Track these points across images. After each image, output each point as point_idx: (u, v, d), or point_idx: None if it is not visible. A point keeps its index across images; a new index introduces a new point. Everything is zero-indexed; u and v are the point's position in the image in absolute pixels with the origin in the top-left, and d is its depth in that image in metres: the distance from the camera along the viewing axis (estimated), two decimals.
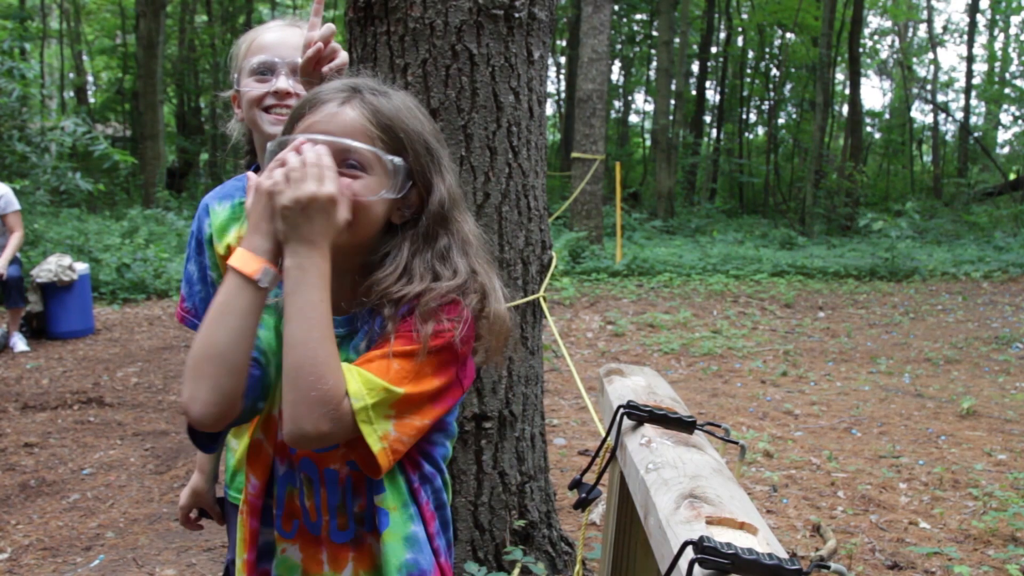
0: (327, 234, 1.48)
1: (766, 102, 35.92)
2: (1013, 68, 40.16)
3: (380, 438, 1.47)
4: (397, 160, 1.58)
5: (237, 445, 2.30)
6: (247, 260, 1.47)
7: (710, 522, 1.21)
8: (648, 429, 1.72)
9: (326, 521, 1.61)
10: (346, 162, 1.54)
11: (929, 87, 39.95)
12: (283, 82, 2.16)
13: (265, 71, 2.18)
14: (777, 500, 4.93)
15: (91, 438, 6.20)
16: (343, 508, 1.61)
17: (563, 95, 34.07)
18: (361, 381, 1.46)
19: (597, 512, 4.56)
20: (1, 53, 12.49)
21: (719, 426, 1.78)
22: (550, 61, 4.00)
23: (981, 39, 40.13)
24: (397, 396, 1.48)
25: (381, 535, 1.59)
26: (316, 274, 1.47)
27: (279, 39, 2.21)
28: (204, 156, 31.19)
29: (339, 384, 1.44)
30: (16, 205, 8.94)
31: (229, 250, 2.18)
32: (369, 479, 1.59)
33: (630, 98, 40.51)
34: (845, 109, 32.14)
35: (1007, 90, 38.47)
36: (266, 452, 1.66)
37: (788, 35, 33.07)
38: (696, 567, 1.04)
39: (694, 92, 33.14)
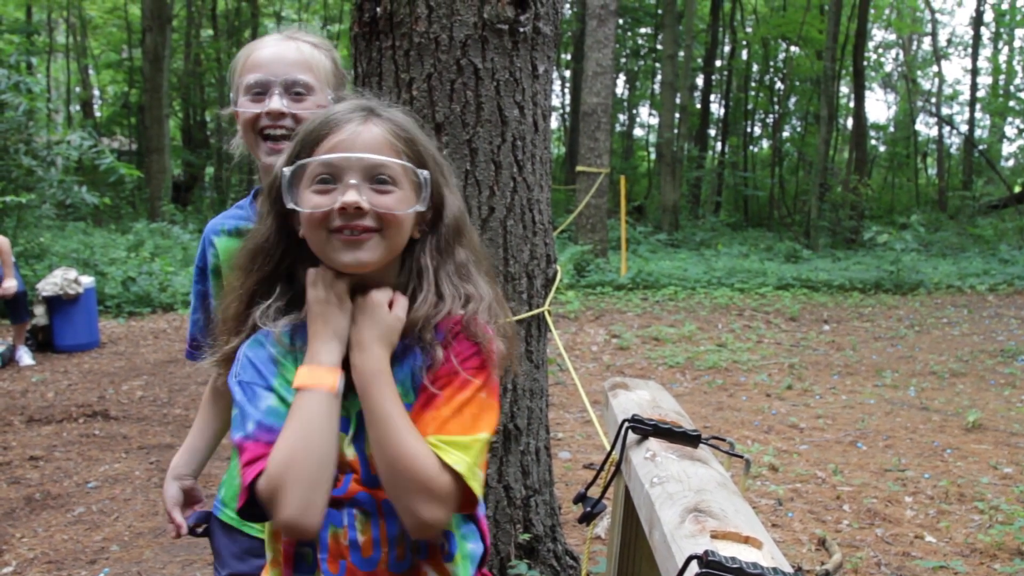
0: None
1: (770, 115, 35.95)
2: (1018, 81, 40.19)
3: (481, 484, 1.54)
4: (425, 173, 1.61)
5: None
6: (325, 375, 1.53)
7: (715, 536, 1.21)
8: (653, 443, 1.73)
9: (384, 553, 1.59)
10: (376, 178, 1.56)
11: (933, 100, 39.98)
12: (276, 102, 2.09)
13: (260, 90, 2.12)
14: (782, 514, 4.92)
15: (96, 451, 6.21)
16: (402, 538, 1.59)
17: (568, 109, 34.13)
18: (454, 449, 1.51)
19: (602, 526, 4.55)
20: (8, 67, 12.55)
21: (724, 440, 1.78)
22: (555, 75, 4.01)
23: (985, 52, 40.18)
24: (485, 441, 1.55)
25: (453, 557, 1.62)
26: (389, 372, 1.56)
27: (274, 55, 2.14)
28: (210, 170, 31.27)
29: (432, 468, 1.48)
30: None
31: None
32: None
33: (635, 111, 40.56)
34: (850, 122, 32.16)
35: (1011, 103, 38.48)
36: None
37: (792, 48, 33.12)
38: None
39: (698, 105, 33.17)
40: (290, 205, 1.58)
